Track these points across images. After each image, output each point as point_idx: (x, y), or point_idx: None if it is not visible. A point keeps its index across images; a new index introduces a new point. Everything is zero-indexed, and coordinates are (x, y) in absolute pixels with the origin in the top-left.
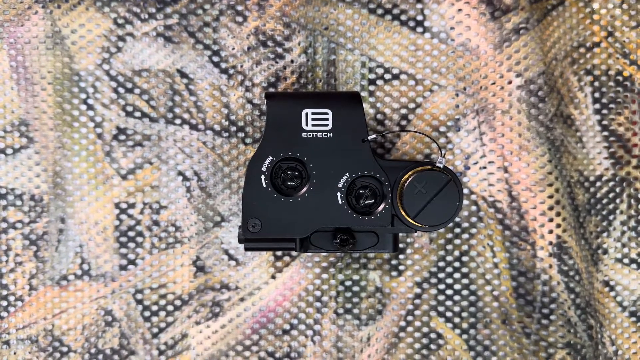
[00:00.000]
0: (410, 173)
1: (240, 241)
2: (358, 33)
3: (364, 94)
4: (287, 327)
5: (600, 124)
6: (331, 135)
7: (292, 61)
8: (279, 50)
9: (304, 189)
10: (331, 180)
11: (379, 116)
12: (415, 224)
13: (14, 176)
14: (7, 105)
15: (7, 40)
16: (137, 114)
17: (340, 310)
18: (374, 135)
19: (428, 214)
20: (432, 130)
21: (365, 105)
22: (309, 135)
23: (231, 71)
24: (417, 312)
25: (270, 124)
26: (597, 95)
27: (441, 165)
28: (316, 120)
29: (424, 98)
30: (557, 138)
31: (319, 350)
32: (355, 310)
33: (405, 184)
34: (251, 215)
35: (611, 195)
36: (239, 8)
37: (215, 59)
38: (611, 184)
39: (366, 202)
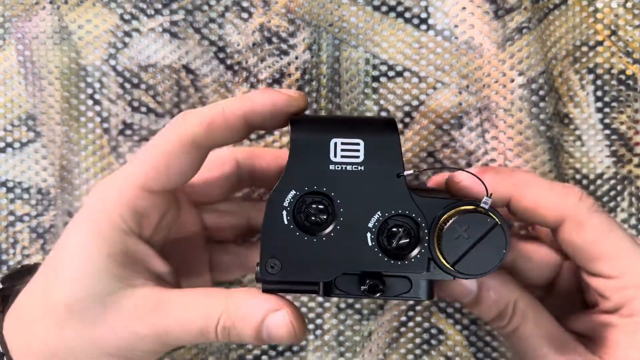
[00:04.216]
0: (450, 213)
1: (257, 280)
2: (362, 30)
3: (367, 90)
4: None
5: (602, 122)
6: (362, 168)
7: (296, 57)
8: (284, 46)
9: (330, 228)
10: (361, 218)
11: (382, 113)
12: (455, 271)
13: (21, 170)
14: (14, 99)
15: (14, 35)
16: (143, 109)
17: (342, 305)
18: (410, 171)
19: (469, 260)
20: (436, 128)
21: (369, 102)
22: (338, 167)
23: (236, 67)
24: (418, 308)
25: (294, 154)
26: (599, 93)
27: (486, 206)
28: (346, 151)
29: (427, 95)
30: (555, 136)
31: (321, 344)
32: (357, 305)
33: (445, 227)
34: (270, 255)
35: (612, 193)
36: (245, 4)
37: (221, 55)
38: (612, 182)
39: (400, 242)
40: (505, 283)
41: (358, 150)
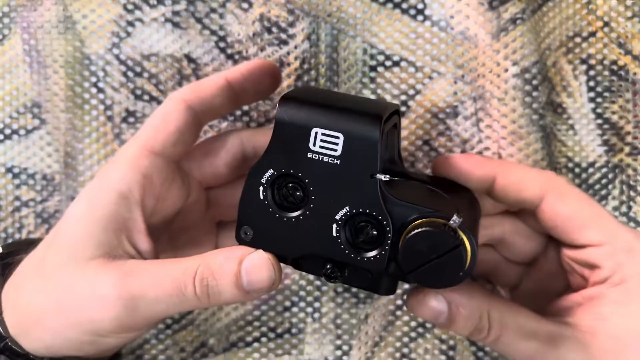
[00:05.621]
0: (417, 223)
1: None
2: (360, 20)
3: (365, 80)
4: (288, 304)
5: (594, 112)
6: (338, 162)
7: (295, 47)
8: (283, 36)
9: (300, 211)
10: (330, 209)
11: None
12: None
13: (26, 156)
14: (20, 87)
15: (20, 24)
16: (146, 97)
17: (340, 289)
18: (384, 177)
19: (426, 272)
20: (431, 116)
21: (366, 92)
22: (315, 156)
23: (237, 57)
24: None
25: (277, 134)
26: (591, 83)
27: (455, 224)
28: (325, 142)
29: (423, 85)
30: (548, 125)
31: (319, 327)
32: (354, 289)
33: (407, 237)
34: (245, 223)
35: (604, 181)
36: None
37: (222, 44)
38: (604, 170)
39: (364, 238)
40: (473, 296)
41: (337, 144)
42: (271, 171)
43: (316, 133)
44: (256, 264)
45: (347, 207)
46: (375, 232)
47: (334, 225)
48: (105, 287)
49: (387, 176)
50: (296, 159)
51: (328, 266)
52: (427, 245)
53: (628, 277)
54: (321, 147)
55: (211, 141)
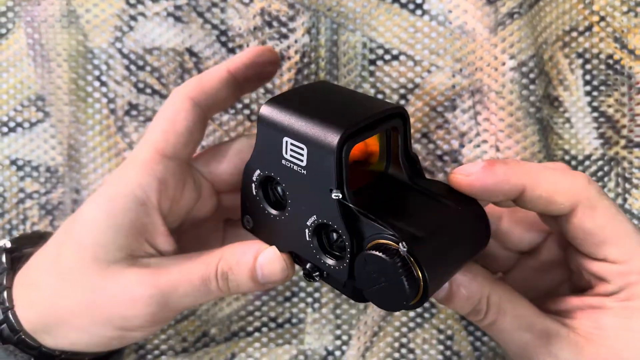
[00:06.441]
0: (372, 244)
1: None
2: (360, 14)
3: (364, 74)
4: (288, 294)
5: (590, 105)
6: (304, 172)
7: (296, 41)
8: (284, 30)
9: (280, 211)
10: (302, 214)
11: (379, 96)
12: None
13: (30, 149)
14: (24, 81)
15: (24, 18)
16: (148, 90)
17: None
18: (334, 193)
19: (376, 292)
20: (430, 110)
21: (366, 85)
22: (287, 164)
23: (238, 50)
24: None
25: (260, 137)
26: (588, 77)
27: (402, 252)
28: (294, 152)
29: (422, 78)
30: (545, 118)
31: (319, 317)
32: None
33: (359, 255)
34: (246, 212)
35: (600, 174)
36: None
37: (223, 38)
38: (600, 163)
39: (332, 246)
40: (474, 278)
41: (302, 155)
42: (258, 171)
43: (287, 142)
44: (270, 259)
45: (315, 216)
46: (340, 245)
47: (307, 231)
48: (136, 285)
49: (339, 194)
50: (274, 164)
51: (307, 266)
52: (376, 268)
53: (635, 296)
54: (291, 155)
55: (223, 146)
